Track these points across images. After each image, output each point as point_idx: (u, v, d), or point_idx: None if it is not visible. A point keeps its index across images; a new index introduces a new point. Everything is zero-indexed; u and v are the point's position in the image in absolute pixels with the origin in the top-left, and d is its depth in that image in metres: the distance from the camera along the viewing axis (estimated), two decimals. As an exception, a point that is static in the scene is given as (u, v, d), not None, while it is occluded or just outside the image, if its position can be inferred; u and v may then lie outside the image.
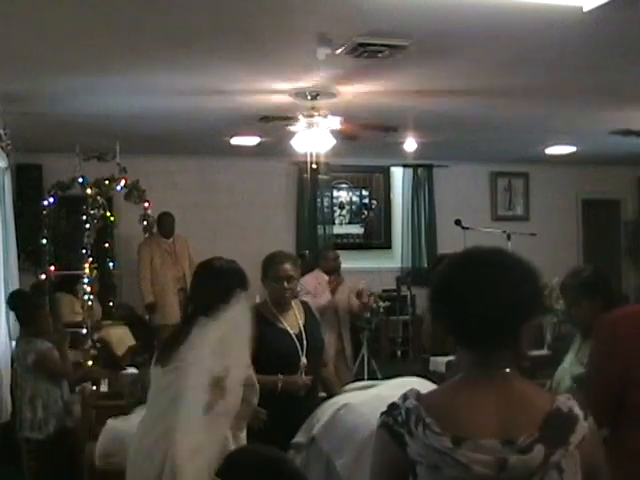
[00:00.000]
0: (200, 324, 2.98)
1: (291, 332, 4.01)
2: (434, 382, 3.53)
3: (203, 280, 3.16)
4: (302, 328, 4.06)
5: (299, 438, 3.43)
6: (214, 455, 2.52)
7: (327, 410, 3.43)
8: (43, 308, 5.51)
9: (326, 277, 7.01)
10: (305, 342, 4.02)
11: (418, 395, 1.72)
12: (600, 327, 2.79)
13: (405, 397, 1.72)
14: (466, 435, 1.61)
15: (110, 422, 4.12)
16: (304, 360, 3.97)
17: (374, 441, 1.77)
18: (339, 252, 7.57)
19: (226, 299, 3.06)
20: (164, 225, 8.18)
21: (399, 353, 9.25)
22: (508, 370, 1.69)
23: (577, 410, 1.65)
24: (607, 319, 2.77)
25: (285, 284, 4.01)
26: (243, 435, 2.94)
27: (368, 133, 6.91)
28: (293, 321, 4.08)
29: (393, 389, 3.48)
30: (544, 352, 6.79)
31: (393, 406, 1.73)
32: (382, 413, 1.74)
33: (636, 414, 2.54)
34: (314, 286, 6.86)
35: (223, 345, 2.71)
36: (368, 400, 3.34)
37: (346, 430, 3.25)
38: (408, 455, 1.66)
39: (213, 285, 3.08)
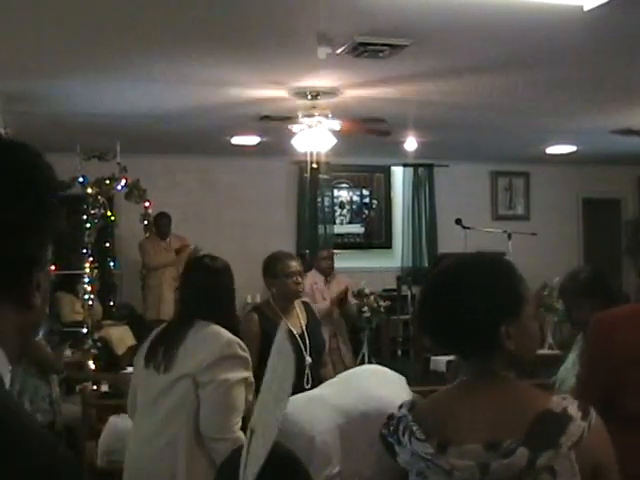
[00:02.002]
0: (198, 327, 2.97)
1: (295, 332, 4.03)
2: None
3: (197, 280, 3.14)
4: (304, 328, 4.09)
5: None
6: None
7: None
8: None
9: (322, 277, 6.97)
10: (308, 342, 4.04)
11: (412, 404, 1.73)
12: (592, 327, 2.77)
13: (400, 406, 1.73)
14: (451, 441, 1.60)
15: (112, 419, 4.13)
16: (309, 359, 4.00)
17: (378, 451, 1.82)
18: (338, 251, 7.56)
19: (224, 300, 3.07)
20: (160, 226, 8.29)
21: (400, 352, 9.24)
22: (502, 375, 1.67)
23: (572, 410, 1.59)
24: (599, 319, 2.75)
25: (298, 279, 4.07)
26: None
27: (366, 129, 6.91)
28: (296, 321, 4.11)
29: (330, 386, 3.46)
30: (545, 351, 6.79)
31: (391, 417, 1.74)
32: (383, 424, 1.75)
33: (623, 416, 2.52)
34: (309, 286, 6.83)
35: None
36: (302, 405, 3.32)
37: (284, 441, 3.24)
38: (400, 464, 1.68)
39: (209, 286, 3.06)
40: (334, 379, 3.53)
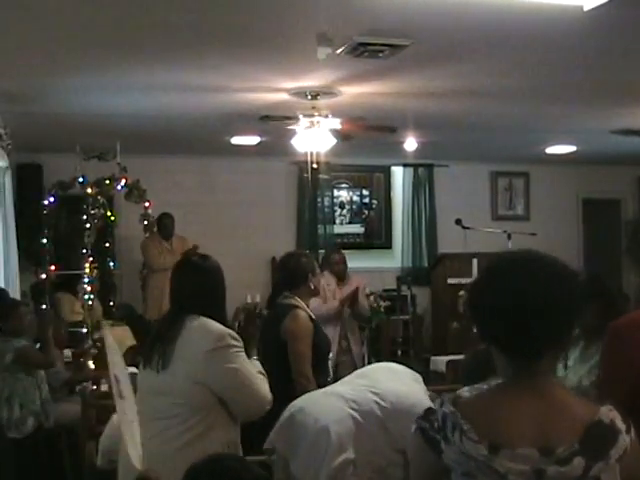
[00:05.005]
0: (189, 322, 2.98)
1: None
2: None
3: (187, 278, 3.15)
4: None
5: (267, 445, 3.35)
6: None
7: (284, 414, 3.39)
8: (18, 307, 5.52)
9: (334, 279, 6.91)
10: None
11: (455, 400, 1.67)
12: (609, 333, 2.74)
13: (442, 402, 1.67)
14: (503, 443, 1.56)
15: (115, 417, 4.11)
16: (331, 353, 4.10)
17: (412, 444, 1.72)
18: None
19: (215, 297, 3.10)
20: (164, 226, 8.26)
21: (399, 352, 9.24)
22: (549, 378, 1.66)
23: (619, 423, 1.61)
24: (615, 326, 2.72)
25: None
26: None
27: (368, 134, 6.91)
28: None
29: (346, 382, 3.47)
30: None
31: (430, 411, 1.68)
32: (418, 417, 1.69)
33: None
34: (322, 287, 6.79)
35: None
36: (318, 398, 3.34)
37: (296, 431, 3.22)
38: (443, 461, 1.62)
39: (199, 282, 3.09)
40: (349, 376, 3.57)
